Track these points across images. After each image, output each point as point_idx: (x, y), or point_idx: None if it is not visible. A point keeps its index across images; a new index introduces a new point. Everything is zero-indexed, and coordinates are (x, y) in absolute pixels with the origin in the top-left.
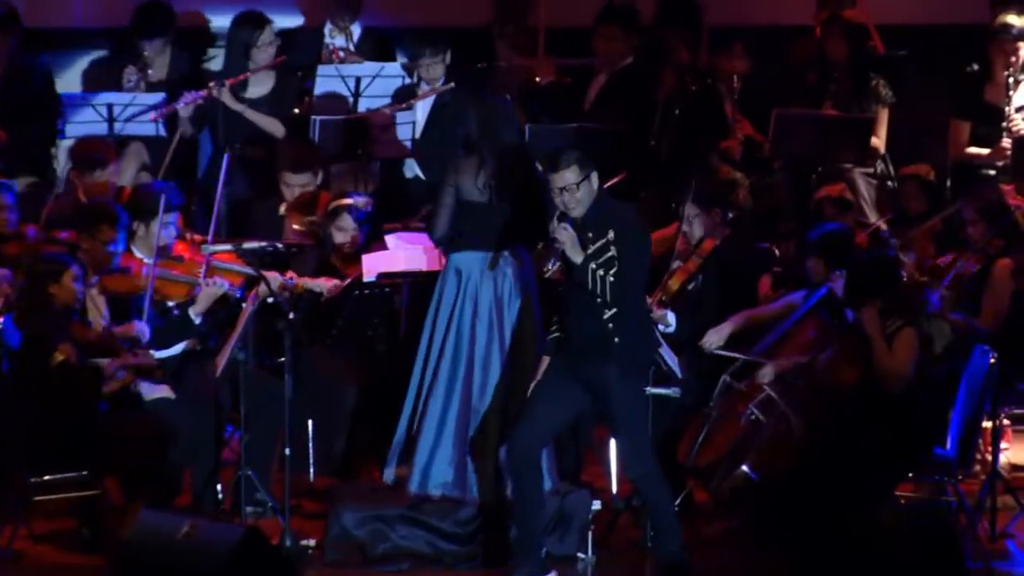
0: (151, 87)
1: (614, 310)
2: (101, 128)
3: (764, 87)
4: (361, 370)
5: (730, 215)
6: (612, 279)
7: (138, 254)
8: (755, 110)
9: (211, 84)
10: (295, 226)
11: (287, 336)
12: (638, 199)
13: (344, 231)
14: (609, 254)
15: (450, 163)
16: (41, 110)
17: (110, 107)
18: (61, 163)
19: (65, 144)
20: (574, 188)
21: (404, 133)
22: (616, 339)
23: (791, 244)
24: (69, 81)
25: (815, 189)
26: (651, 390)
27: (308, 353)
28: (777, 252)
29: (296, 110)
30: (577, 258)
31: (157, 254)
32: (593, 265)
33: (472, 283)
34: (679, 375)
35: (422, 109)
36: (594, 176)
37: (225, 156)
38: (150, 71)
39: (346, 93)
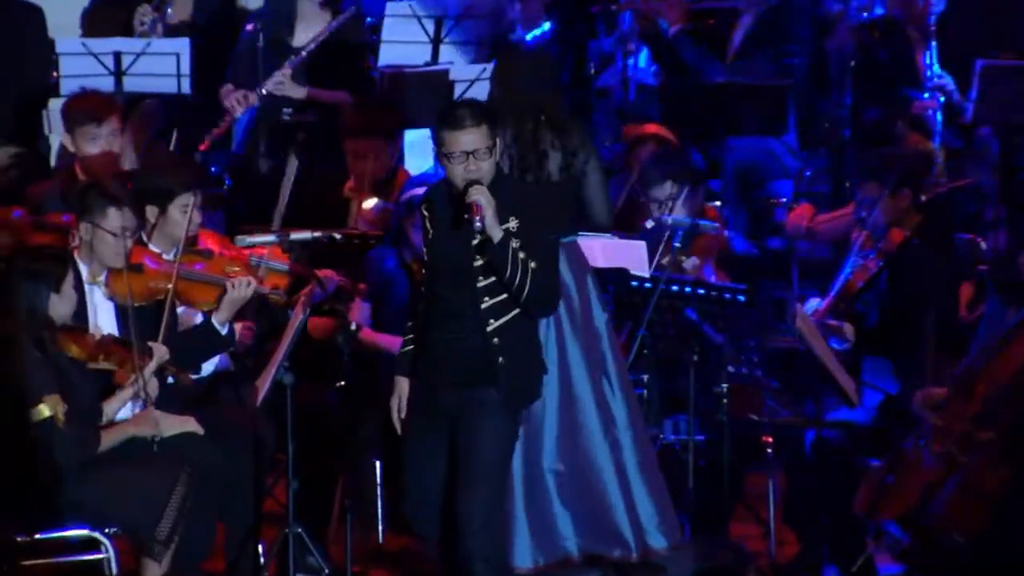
0: (171, 31)
1: (506, 318)
2: (106, 83)
3: (969, 29)
4: None
5: (922, 198)
6: (535, 266)
7: (154, 248)
8: (955, 61)
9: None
10: (365, 206)
11: (345, 352)
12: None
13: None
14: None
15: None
16: (28, 60)
17: (117, 56)
18: (54, 127)
19: (58, 104)
20: (483, 154)
21: None
22: (500, 358)
23: (1000, 234)
24: (65, 23)
25: None
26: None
27: (372, 374)
28: (983, 245)
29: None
30: (496, 232)
31: (181, 247)
32: (515, 244)
33: None
34: (855, 401)
35: None
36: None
37: (294, 164)
38: (169, 10)
39: (422, 38)
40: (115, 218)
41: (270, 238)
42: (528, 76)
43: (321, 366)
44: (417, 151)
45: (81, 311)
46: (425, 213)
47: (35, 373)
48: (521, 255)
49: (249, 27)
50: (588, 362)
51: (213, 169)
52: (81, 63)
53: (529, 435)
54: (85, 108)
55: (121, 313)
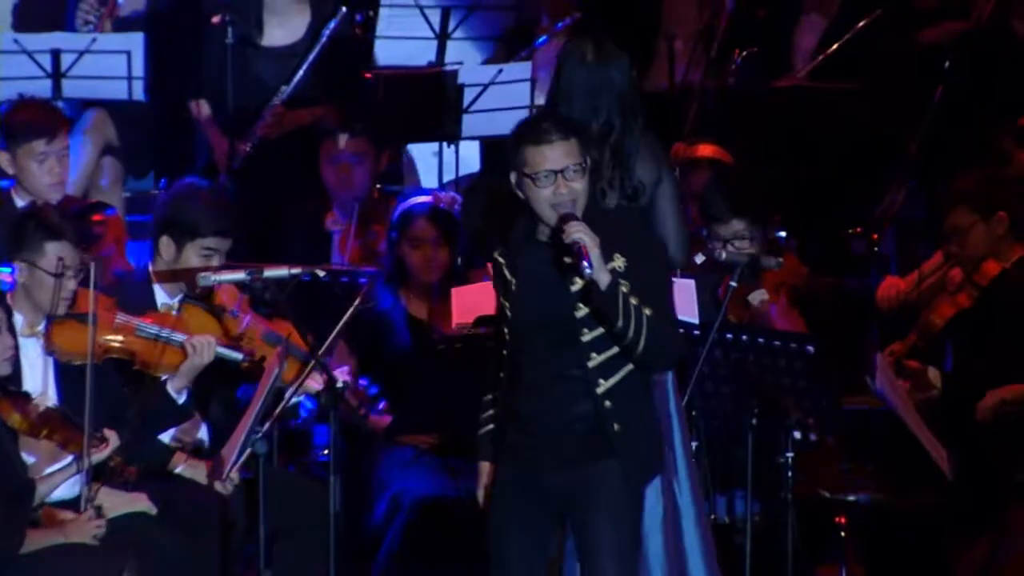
0: (121, 25)
1: (619, 376)
2: (42, 87)
3: None
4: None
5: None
6: (649, 312)
7: (159, 289)
8: None
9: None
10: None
11: (332, 415)
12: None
13: (422, 247)
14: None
15: None
16: None
17: (56, 55)
18: None
19: None
20: (574, 172)
21: (517, 97)
22: (616, 425)
23: None
24: None
25: None
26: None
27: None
28: None
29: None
30: (603, 276)
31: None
32: (624, 287)
33: None
34: (947, 475)
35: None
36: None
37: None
38: (119, 1)
39: (426, 32)
40: (54, 255)
41: (239, 275)
42: (593, 93)
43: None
44: (421, 168)
45: (13, 371)
46: (501, 259)
47: None
48: (633, 300)
49: (215, 20)
50: None
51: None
52: (13, 63)
53: None
54: (30, 120)
55: (62, 374)
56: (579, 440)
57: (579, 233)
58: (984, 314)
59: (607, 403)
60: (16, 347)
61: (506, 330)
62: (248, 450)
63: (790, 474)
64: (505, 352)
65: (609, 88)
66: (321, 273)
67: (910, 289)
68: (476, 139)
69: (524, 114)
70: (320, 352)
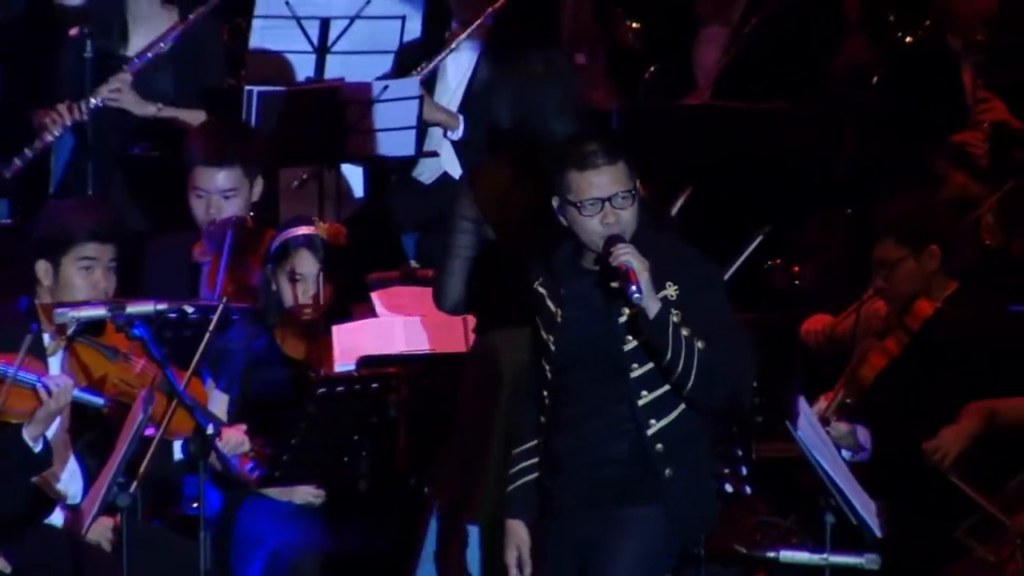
0: None
1: (672, 416)
2: None
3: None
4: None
5: (959, 258)
6: (702, 346)
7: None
8: (1009, 81)
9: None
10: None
11: (202, 466)
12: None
13: (303, 281)
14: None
15: (462, 182)
16: None
17: None
18: None
19: None
20: (625, 199)
21: (404, 116)
22: (668, 470)
23: None
24: None
25: None
26: (831, 558)
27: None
28: None
29: (231, 80)
30: (652, 304)
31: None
32: (675, 317)
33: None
34: (876, 532)
35: (456, 72)
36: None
37: (228, 234)
38: None
39: (304, 47)
40: None
41: (99, 310)
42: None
43: None
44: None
45: None
46: (542, 290)
47: None
48: (684, 332)
49: (73, 32)
50: None
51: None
52: None
53: None
54: None
55: None
56: (619, 483)
57: (627, 255)
58: (916, 363)
59: (659, 446)
60: None
61: (547, 366)
62: (109, 503)
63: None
64: (545, 393)
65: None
66: (189, 309)
67: (839, 323)
68: (360, 161)
69: (412, 134)
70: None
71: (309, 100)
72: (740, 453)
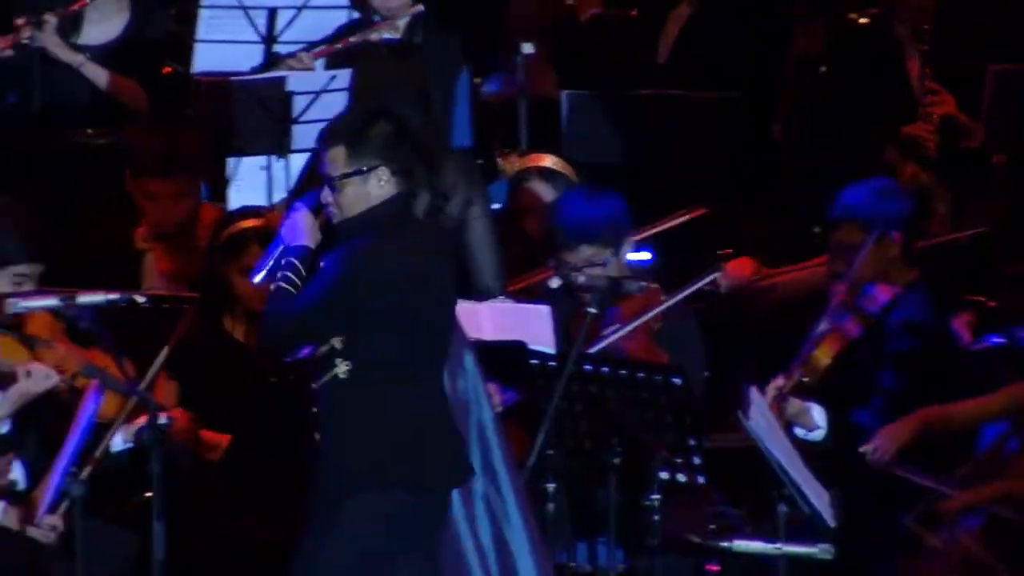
0: None
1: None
2: None
3: (975, 29)
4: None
5: (915, 246)
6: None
7: None
8: (958, 71)
9: (20, 21)
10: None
11: (156, 456)
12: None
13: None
14: None
15: None
16: None
17: None
18: None
19: None
20: (332, 182)
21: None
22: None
23: (1021, 296)
24: None
25: None
26: (786, 548)
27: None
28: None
29: (167, 68)
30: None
31: None
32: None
33: None
34: (829, 521)
35: None
36: (381, 175)
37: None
38: None
39: (252, 36)
40: None
41: (51, 301)
42: (393, 87)
43: None
44: (244, 184)
45: None
46: None
47: None
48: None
49: (20, 22)
50: None
51: None
52: None
53: None
54: None
55: None
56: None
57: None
58: (873, 348)
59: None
60: None
61: None
62: (63, 492)
63: (656, 518)
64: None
65: (409, 87)
66: (141, 299)
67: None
68: (308, 152)
69: None
70: (142, 385)
71: (257, 91)
72: (693, 443)
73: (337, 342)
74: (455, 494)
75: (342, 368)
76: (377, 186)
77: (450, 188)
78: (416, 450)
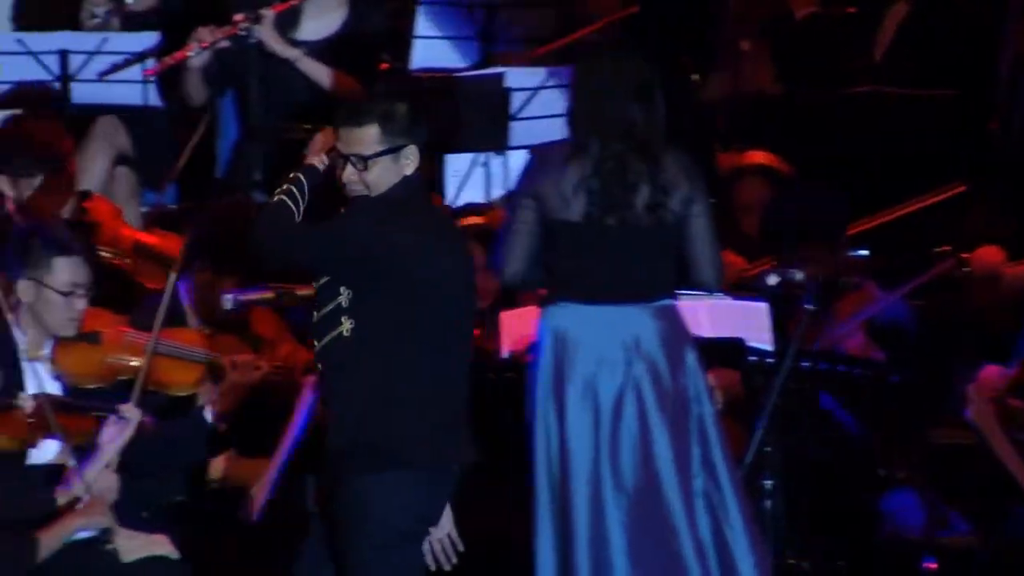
0: (130, 23)
1: (325, 341)
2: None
3: None
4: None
5: None
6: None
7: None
8: None
9: (239, 17)
10: None
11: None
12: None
13: None
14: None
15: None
16: None
17: (63, 56)
18: None
19: None
20: (358, 163)
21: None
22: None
23: None
24: None
25: None
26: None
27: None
28: None
29: (384, 63)
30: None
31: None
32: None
33: (583, 360)
34: None
35: None
36: (409, 154)
37: None
38: None
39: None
40: (64, 272)
41: (267, 295)
42: (611, 84)
43: None
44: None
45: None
46: None
47: None
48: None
49: (238, 19)
50: (679, 467)
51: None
52: (16, 65)
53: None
54: (26, 151)
55: (72, 396)
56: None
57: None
58: None
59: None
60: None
61: None
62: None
63: (876, 514)
64: None
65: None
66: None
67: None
68: (526, 148)
69: None
70: None
71: (476, 87)
72: (912, 439)
73: (344, 299)
74: (675, 492)
75: (346, 326)
76: (405, 165)
77: (671, 184)
78: (414, 428)
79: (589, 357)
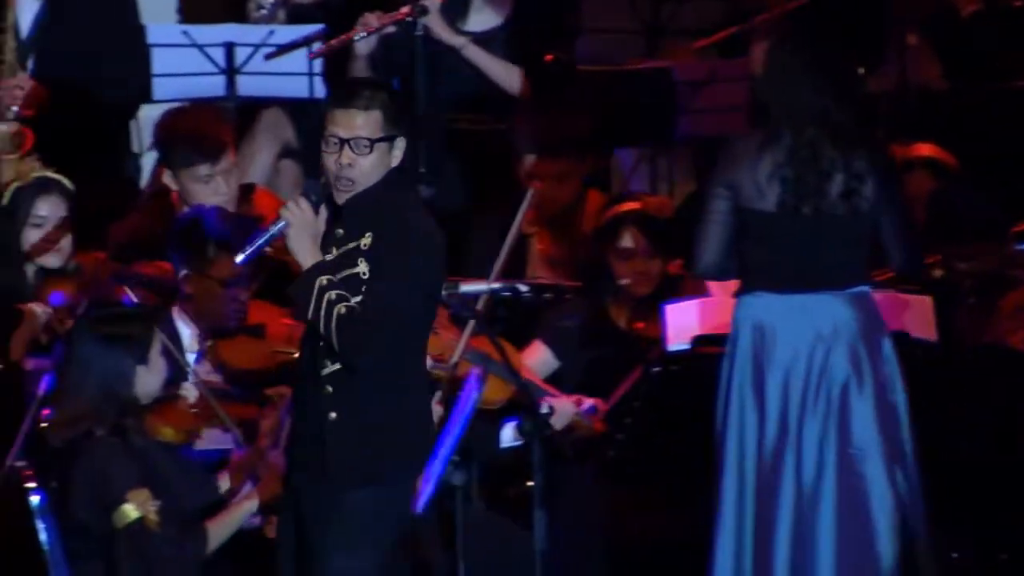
0: (296, 15)
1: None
2: (215, 85)
3: None
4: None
5: None
6: (343, 312)
7: None
8: None
9: (405, 10)
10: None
11: (536, 446)
12: None
13: (631, 257)
14: (355, 270)
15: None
16: (111, 54)
17: (229, 49)
18: (144, 145)
19: (152, 113)
20: (363, 146)
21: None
22: (333, 413)
23: None
24: (158, 6)
25: None
26: None
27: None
28: None
29: (549, 55)
30: (305, 258)
31: None
32: (324, 280)
33: (781, 349)
34: None
35: None
36: (400, 145)
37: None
38: None
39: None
40: (225, 265)
41: (489, 286)
42: (799, 74)
43: None
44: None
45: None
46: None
47: (114, 466)
48: (331, 295)
49: (405, 11)
50: (885, 451)
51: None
52: (182, 58)
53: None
54: (192, 142)
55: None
56: (313, 459)
57: (286, 212)
58: None
59: (333, 414)
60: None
61: None
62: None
63: None
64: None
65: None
66: (523, 288)
67: None
68: (691, 141)
69: (738, 115)
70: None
71: (639, 80)
72: None
73: (362, 270)
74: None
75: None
76: (395, 157)
77: (865, 171)
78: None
79: (787, 346)
